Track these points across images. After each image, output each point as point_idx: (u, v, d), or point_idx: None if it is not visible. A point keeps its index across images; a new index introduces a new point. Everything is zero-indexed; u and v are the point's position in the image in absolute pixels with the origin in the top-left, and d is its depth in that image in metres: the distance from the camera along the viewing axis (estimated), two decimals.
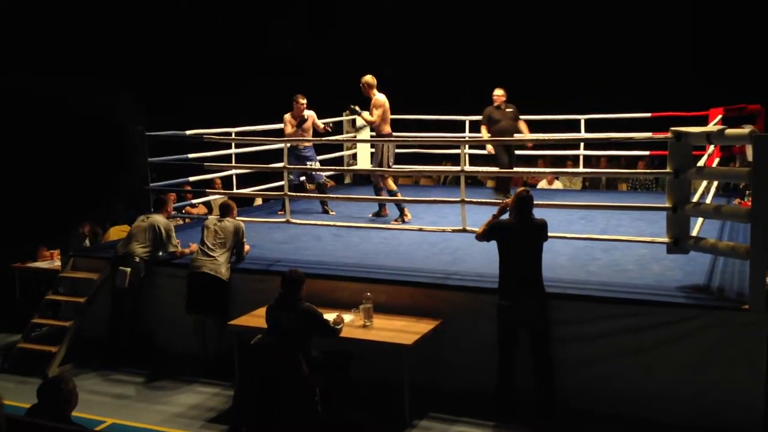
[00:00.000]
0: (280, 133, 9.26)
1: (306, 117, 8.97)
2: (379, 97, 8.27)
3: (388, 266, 6.54)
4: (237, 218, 6.88)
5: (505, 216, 5.66)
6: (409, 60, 13.89)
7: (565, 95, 10.99)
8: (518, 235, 5.48)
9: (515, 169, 8.95)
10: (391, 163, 8.39)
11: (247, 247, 6.86)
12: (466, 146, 9.91)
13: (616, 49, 13.06)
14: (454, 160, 11.49)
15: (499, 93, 9.45)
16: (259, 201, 10.59)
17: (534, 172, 9.02)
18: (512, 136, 9.19)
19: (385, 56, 13.57)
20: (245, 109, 11.21)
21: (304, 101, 8.95)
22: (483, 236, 5.66)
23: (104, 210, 10.02)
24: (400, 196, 8.38)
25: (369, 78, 8.28)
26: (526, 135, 9.40)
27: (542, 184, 11.50)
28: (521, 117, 9.49)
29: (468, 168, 8.21)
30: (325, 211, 9.11)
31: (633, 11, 13.23)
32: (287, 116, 9.01)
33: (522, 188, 5.65)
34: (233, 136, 8.71)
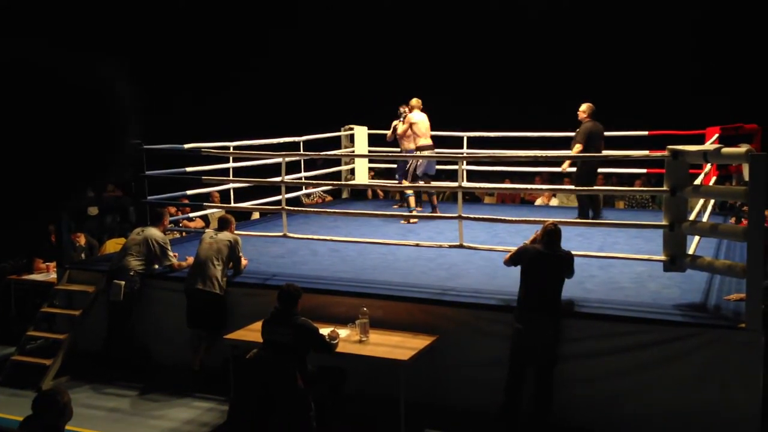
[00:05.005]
0: (277, 147, 9.29)
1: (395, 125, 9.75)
2: (410, 115, 9.26)
3: (384, 281, 6.53)
4: (235, 232, 6.87)
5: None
6: (413, 77, 13.99)
7: (562, 112, 11.02)
8: (541, 263, 5.52)
9: (512, 186, 8.94)
10: (417, 173, 9.17)
11: (244, 261, 6.85)
12: (464, 162, 9.94)
13: (614, 67, 13.13)
14: (452, 176, 11.50)
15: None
16: (256, 215, 10.58)
17: (531, 189, 9.03)
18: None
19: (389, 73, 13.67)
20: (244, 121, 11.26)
21: (403, 110, 9.62)
22: (510, 261, 5.72)
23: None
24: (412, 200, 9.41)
25: (412, 101, 9.36)
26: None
27: (540, 200, 11.51)
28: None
29: (465, 184, 8.23)
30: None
31: (631, 29, 13.31)
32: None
33: (550, 222, 5.68)
34: (231, 150, 8.72)
